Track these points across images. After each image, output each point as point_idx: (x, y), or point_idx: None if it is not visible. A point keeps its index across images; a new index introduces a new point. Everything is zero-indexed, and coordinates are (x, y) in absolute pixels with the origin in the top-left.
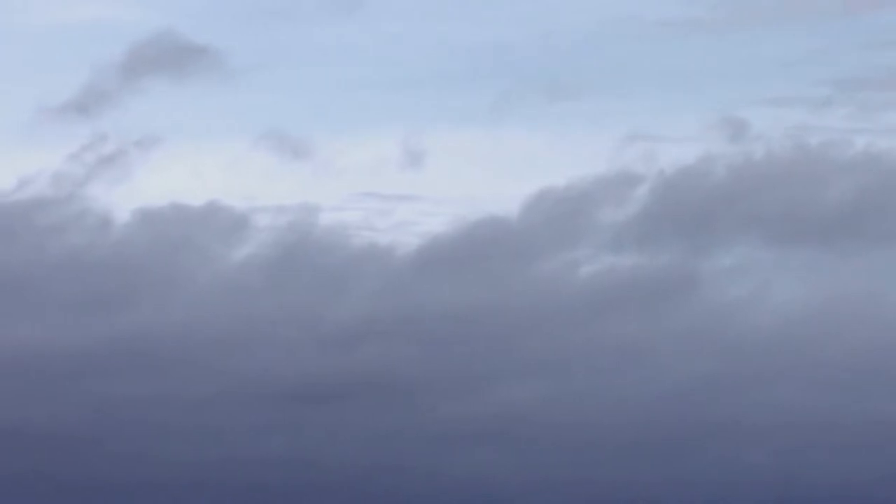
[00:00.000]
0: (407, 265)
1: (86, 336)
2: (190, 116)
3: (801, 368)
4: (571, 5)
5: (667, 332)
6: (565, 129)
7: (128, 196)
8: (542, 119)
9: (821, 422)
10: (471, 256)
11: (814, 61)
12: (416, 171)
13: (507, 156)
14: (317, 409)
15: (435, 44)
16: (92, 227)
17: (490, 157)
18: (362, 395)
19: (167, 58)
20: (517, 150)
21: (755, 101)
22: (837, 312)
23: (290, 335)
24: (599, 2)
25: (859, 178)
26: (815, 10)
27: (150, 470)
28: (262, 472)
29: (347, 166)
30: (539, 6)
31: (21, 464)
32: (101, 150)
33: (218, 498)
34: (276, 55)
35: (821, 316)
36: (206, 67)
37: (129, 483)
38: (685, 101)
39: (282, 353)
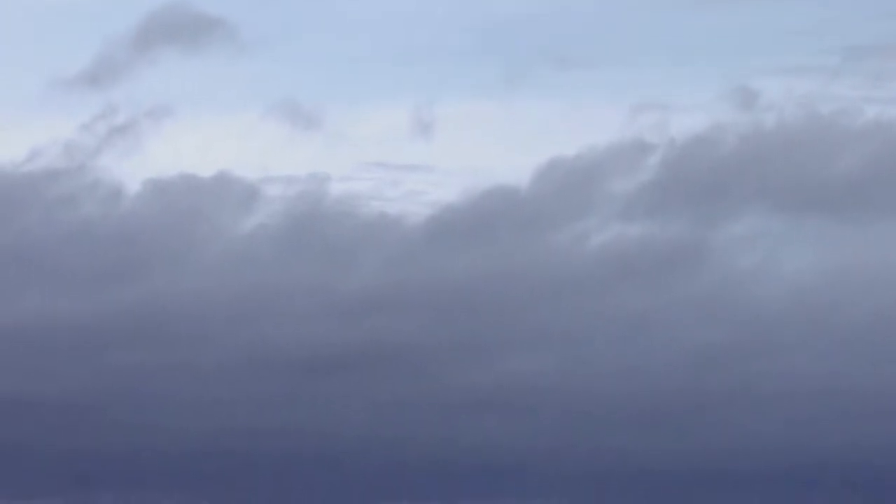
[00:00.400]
0: (417, 235)
1: (96, 307)
2: (202, 87)
3: (810, 337)
4: None
5: (677, 302)
6: (576, 100)
7: (139, 167)
8: (553, 89)
9: (830, 389)
10: (481, 226)
11: (824, 31)
12: (427, 141)
13: (517, 126)
14: (326, 379)
15: (446, 16)
16: (103, 198)
17: (500, 128)
18: (372, 365)
19: (180, 29)
20: (528, 120)
21: (766, 71)
22: (847, 281)
23: (300, 305)
24: None
25: (869, 146)
26: None
27: (158, 440)
28: (271, 440)
29: (358, 137)
30: None
31: (30, 433)
32: (112, 121)
33: (227, 467)
34: (288, 27)
35: (831, 284)
36: (219, 39)
37: (138, 452)
38: (696, 70)
39: (291, 324)
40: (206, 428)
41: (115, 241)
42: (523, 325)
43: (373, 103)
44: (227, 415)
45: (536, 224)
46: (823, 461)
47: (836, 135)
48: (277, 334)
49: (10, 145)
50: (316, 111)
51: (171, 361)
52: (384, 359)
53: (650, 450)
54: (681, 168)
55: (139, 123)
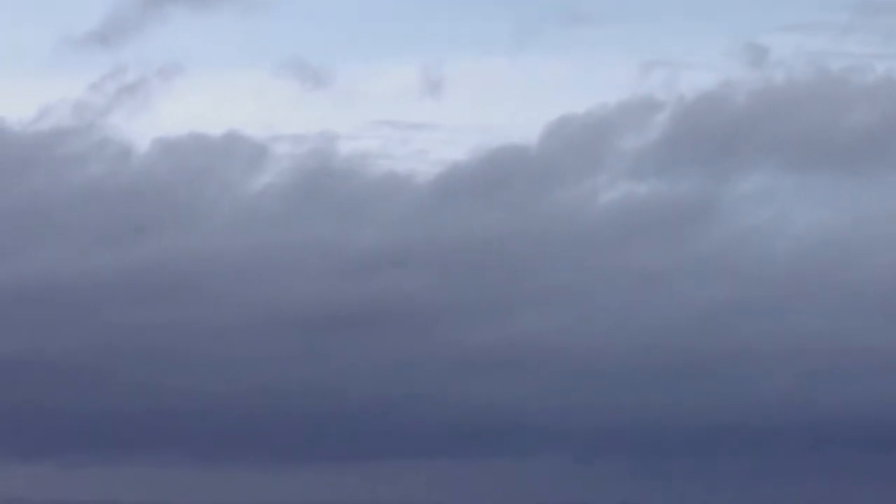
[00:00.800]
0: (426, 193)
1: (105, 265)
2: (211, 46)
3: (820, 293)
4: None
5: (686, 259)
6: (586, 57)
7: (148, 126)
8: (563, 47)
9: (839, 346)
10: (490, 184)
11: None
12: (436, 99)
13: (527, 84)
14: (334, 337)
15: None
16: (112, 158)
17: (510, 86)
18: (381, 324)
19: None
20: (537, 78)
21: (776, 28)
22: (857, 237)
23: (309, 263)
24: None
25: (880, 103)
26: None
27: (166, 399)
28: (282, 399)
29: (367, 94)
30: None
31: (39, 392)
32: (121, 80)
33: (238, 425)
34: None
35: (841, 241)
36: None
37: (147, 411)
38: (706, 27)
39: (301, 282)
40: (215, 386)
41: (123, 201)
42: (531, 283)
43: (382, 61)
44: (236, 373)
45: (546, 182)
46: (832, 418)
47: (846, 91)
48: (285, 293)
49: (20, 104)
50: (325, 69)
51: (180, 320)
52: (393, 317)
53: (658, 406)
54: (690, 125)
55: (149, 82)
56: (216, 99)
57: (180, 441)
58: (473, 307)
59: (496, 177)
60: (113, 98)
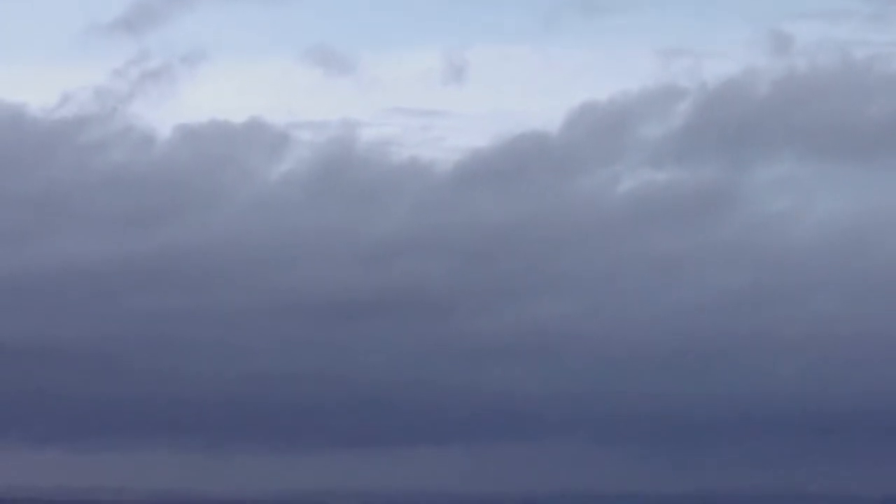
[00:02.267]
0: (446, 180)
1: (123, 252)
2: (236, 33)
3: (837, 281)
4: None
5: (705, 246)
6: (609, 45)
7: (170, 113)
8: (586, 35)
9: (855, 333)
10: (510, 171)
11: None
12: (458, 86)
13: (549, 71)
14: (352, 324)
15: None
16: (134, 144)
17: (532, 73)
18: (398, 310)
19: None
20: (560, 65)
21: (800, 15)
22: (877, 225)
23: (328, 250)
24: None
25: None
26: None
27: (178, 385)
28: (297, 385)
29: (389, 82)
30: None
31: (50, 379)
32: (145, 67)
33: (251, 411)
34: None
35: (861, 228)
36: None
37: (157, 398)
38: (730, 15)
39: (319, 268)
40: (228, 373)
41: (144, 188)
42: (549, 270)
43: (405, 48)
44: (250, 360)
45: (567, 169)
46: (850, 404)
47: (870, 80)
48: (302, 280)
49: (44, 90)
50: (349, 56)
51: (196, 307)
52: (411, 303)
53: (674, 392)
54: (712, 113)
55: (172, 68)
56: (239, 86)
57: (191, 427)
58: (490, 294)
59: (516, 164)
60: (136, 84)
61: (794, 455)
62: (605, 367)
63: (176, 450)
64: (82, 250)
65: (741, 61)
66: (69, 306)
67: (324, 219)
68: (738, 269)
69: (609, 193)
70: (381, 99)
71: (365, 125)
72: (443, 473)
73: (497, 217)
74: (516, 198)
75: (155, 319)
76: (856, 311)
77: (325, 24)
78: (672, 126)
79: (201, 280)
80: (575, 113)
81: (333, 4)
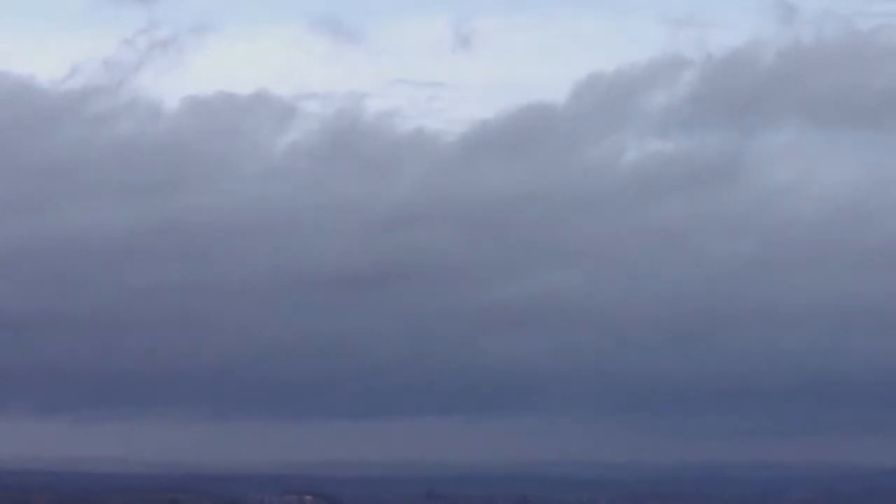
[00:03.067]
0: (453, 151)
1: (132, 224)
2: (246, 2)
3: (841, 252)
4: None
5: (710, 217)
6: (617, 15)
7: (178, 84)
8: (594, 5)
9: (858, 306)
10: (516, 142)
11: None
12: (465, 56)
13: (557, 41)
14: (357, 294)
15: None
16: (142, 116)
17: (540, 43)
18: (404, 280)
19: None
20: (568, 35)
21: None
22: (882, 196)
23: (335, 221)
24: None
25: None
26: None
27: (183, 357)
28: (302, 356)
29: (397, 52)
30: None
31: (55, 351)
32: (154, 36)
33: (255, 383)
34: None
35: (865, 200)
36: None
37: (161, 369)
38: None
39: (324, 240)
40: (233, 345)
41: (151, 159)
42: (555, 241)
43: (414, 17)
44: (255, 331)
45: (573, 140)
46: (851, 376)
47: (875, 50)
48: (308, 251)
49: (53, 61)
50: (357, 26)
51: (201, 280)
52: (417, 274)
53: (677, 364)
54: (718, 83)
55: (181, 38)
56: (247, 57)
57: (195, 398)
58: (496, 265)
59: (523, 135)
60: (144, 54)
61: (799, 426)
62: (610, 338)
63: (179, 420)
64: (88, 222)
65: (747, 31)
66: (75, 278)
67: (329, 190)
68: (743, 240)
69: (615, 164)
70: (388, 69)
71: (372, 96)
72: (447, 444)
73: (502, 188)
74: (522, 169)
75: (161, 291)
76: (857, 283)
77: None
78: (678, 96)
79: (207, 252)
80: (581, 84)
81: None
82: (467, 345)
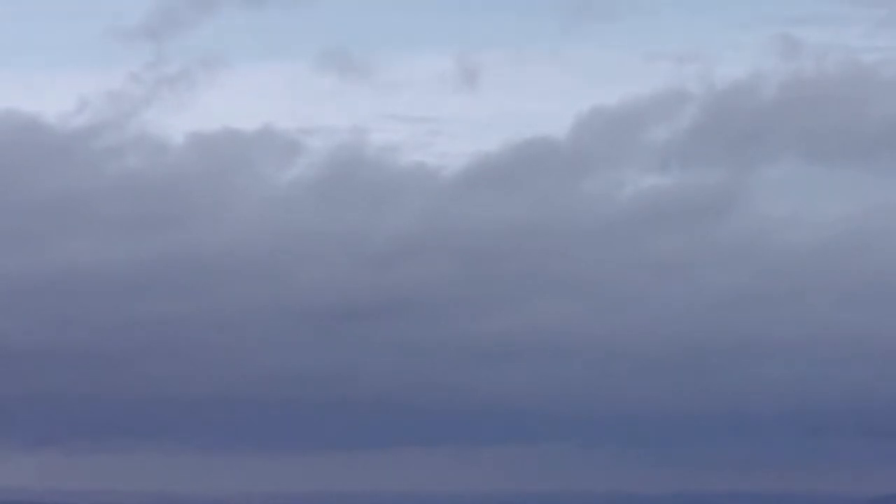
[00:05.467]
0: (453, 184)
1: (136, 257)
2: (255, 36)
3: (834, 284)
4: None
5: (706, 250)
6: (622, 48)
7: (184, 120)
8: (600, 38)
9: (847, 336)
10: (518, 176)
11: None
12: (469, 90)
13: (562, 75)
14: (358, 327)
15: None
16: (148, 151)
17: (545, 77)
18: (399, 313)
19: None
20: (572, 69)
21: (809, 20)
22: (876, 228)
23: (334, 255)
24: None
25: None
26: None
27: (175, 388)
28: (294, 388)
29: (403, 85)
30: None
31: (50, 382)
32: (162, 72)
33: (252, 414)
34: None
35: (860, 232)
36: None
37: (154, 400)
38: (739, 18)
39: (323, 273)
40: (232, 376)
41: (157, 195)
42: (551, 274)
43: (421, 51)
44: (250, 363)
45: (574, 173)
46: (846, 406)
47: (876, 85)
48: (310, 283)
49: (61, 96)
50: (365, 60)
51: (206, 310)
52: (412, 307)
53: (673, 395)
54: (720, 116)
55: (191, 73)
56: (253, 92)
57: (187, 430)
58: (495, 298)
59: (524, 168)
60: (151, 90)
61: (794, 457)
62: (608, 370)
63: (170, 452)
64: (94, 256)
65: (750, 64)
66: (79, 310)
67: (330, 223)
68: (740, 273)
69: (615, 197)
70: (392, 103)
71: (375, 130)
72: (440, 475)
73: (501, 221)
74: (522, 202)
75: (163, 323)
76: (848, 314)
77: (344, 28)
78: (679, 129)
79: (208, 285)
80: (584, 117)
81: (352, 9)
82: (468, 376)
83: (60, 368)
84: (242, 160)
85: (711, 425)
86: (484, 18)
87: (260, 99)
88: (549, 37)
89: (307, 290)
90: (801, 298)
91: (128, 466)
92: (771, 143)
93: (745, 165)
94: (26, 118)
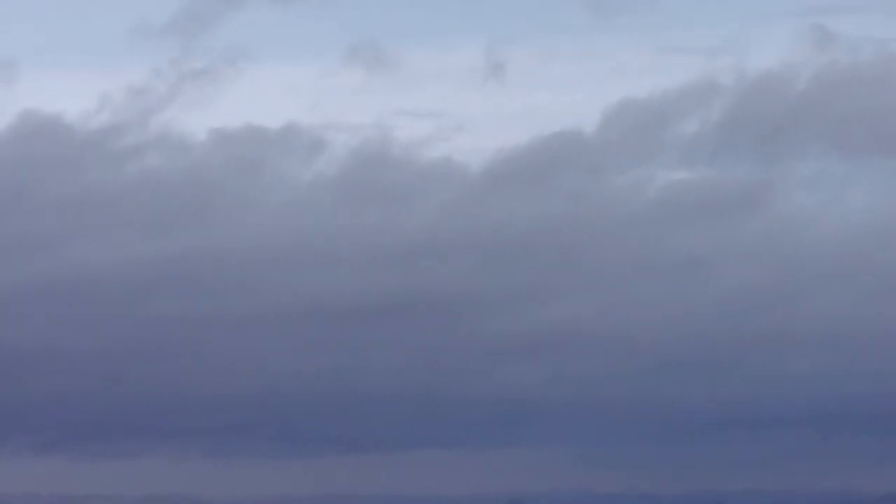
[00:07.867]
0: (479, 180)
1: (156, 257)
2: (281, 31)
3: (858, 279)
4: None
5: (732, 245)
6: (652, 40)
7: (207, 117)
8: (628, 31)
9: (869, 333)
10: (543, 170)
11: None
12: (497, 84)
13: (591, 68)
14: (371, 325)
15: None
16: (170, 149)
17: (574, 70)
18: (419, 311)
19: None
20: (602, 61)
21: (842, 10)
22: None
23: (359, 253)
24: None
25: None
26: None
27: (188, 391)
28: (316, 385)
29: (429, 79)
30: None
31: (55, 386)
32: (187, 67)
33: (264, 416)
34: None
35: (887, 227)
36: None
37: (161, 404)
38: (772, 8)
39: (349, 271)
40: (245, 377)
41: (179, 193)
42: (572, 270)
43: (449, 44)
44: (264, 364)
45: (599, 168)
46: (866, 403)
47: None
48: (329, 281)
49: (82, 95)
50: (389, 55)
51: (224, 310)
52: (431, 304)
53: (695, 394)
54: (751, 107)
55: (215, 69)
56: (277, 89)
57: (193, 433)
58: (511, 295)
59: (550, 163)
60: (174, 86)
61: (813, 455)
62: (629, 368)
63: (178, 456)
64: (115, 255)
65: (783, 54)
66: (98, 310)
67: (356, 220)
68: (766, 268)
69: (641, 192)
70: (418, 98)
71: (400, 126)
72: (452, 477)
73: (525, 217)
74: (547, 198)
75: (185, 323)
76: (871, 309)
77: (366, 22)
78: (709, 122)
79: (232, 284)
80: (612, 110)
81: (376, 2)
82: (479, 374)
83: (78, 369)
84: (265, 158)
85: (743, 424)
86: (511, 12)
87: (284, 95)
88: (577, 30)
89: (332, 289)
90: (820, 294)
91: (131, 471)
92: (802, 135)
93: (776, 158)
94: (47, 117)
